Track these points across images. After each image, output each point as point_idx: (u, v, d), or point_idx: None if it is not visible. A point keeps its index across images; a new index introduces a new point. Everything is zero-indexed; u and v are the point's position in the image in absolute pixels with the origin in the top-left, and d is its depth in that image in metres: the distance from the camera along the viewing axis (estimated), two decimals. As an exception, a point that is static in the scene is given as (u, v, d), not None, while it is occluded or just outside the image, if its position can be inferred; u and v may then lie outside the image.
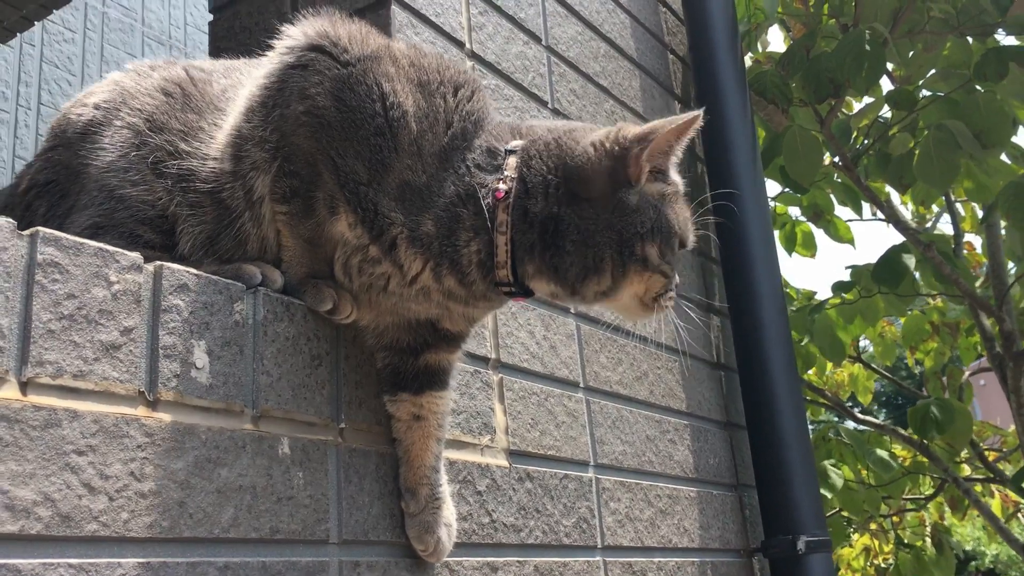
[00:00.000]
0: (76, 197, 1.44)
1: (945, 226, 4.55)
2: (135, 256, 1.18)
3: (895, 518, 4.43)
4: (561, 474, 1.90)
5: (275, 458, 1.29)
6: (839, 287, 3.85)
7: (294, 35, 1.40)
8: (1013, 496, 4.29)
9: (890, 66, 3.38)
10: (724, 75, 2.82)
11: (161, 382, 1.16)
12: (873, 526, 4.39)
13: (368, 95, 1.32)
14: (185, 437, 1.17)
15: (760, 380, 2.61)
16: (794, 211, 4.06)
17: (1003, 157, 3.32)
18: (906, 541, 4.38)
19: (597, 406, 2.10)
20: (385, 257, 1.34)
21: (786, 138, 3.09)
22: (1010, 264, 3.82)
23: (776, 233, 3.93)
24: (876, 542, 4.51)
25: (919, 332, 4.22)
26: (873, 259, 3.67)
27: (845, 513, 3.92)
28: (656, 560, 2.11)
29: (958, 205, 4.17)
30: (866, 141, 3.42)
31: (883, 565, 4.62)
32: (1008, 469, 4.28)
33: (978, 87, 3.07)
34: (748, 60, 3.51)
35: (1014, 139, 3.18)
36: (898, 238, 3.57)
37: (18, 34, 3.95)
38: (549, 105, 2.21)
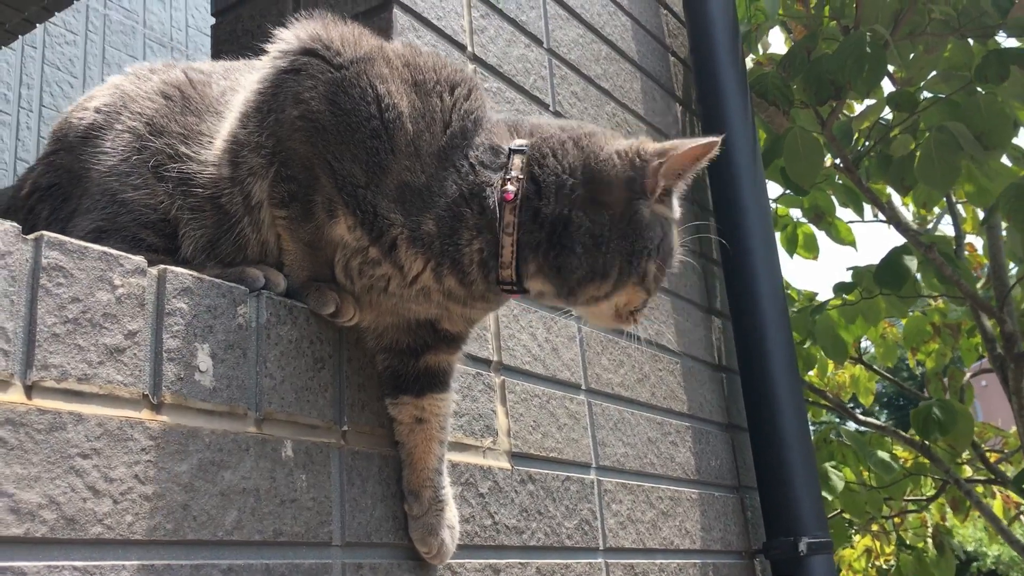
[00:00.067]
0: (78, 201, 1.44)
1: (946, 227, 4.55)
2: (139, 260, 1.18)
3: (896, 519, 4.43)
4: (563, 476, 1.91)
5: (278, 461, 1.29)
6: (841, 288, 3.85)
7: (287, 38, 1.40)
8: (1014, 497, 4.29)
9: (891, 68, 3.39)
10: (725, 77, 2.83)
11: (165, 385, 1.16)
12: (874, 527, 4.39)
13: (362, 97, 1.32)
14: (189, 440, 1.17)
15: (761, 382, 2.61)
16: (795, 213, 4.06)
17: (1004, 159, 3.32)
18: (907, 542, 4.39)
19: (599, 408, 2.10)
20: (385, 258, 1.34)
21: (787, 140, 3.09)
22: (1011, 265, 3.82)
23: (777, 235, 3.94)
24: (877, 543, 4.52)
25: (920, 333, 4.22)
26: (874, 260, 3.68)
27: (846, 514, 3.92)
28: (658, 562, 2.12)
29: (959, 206, 4.18)
30: (867, 143, 3.42)
31: (884, 566, 4.63)
32: (1009, 470, 4.28)
33: (979, 89, 3.07)
34: (749, 62, 3.52)
35: (1015, 141, 3.19)
36: (899, 240, 3.58)
37: (20, 36, 3.96)
38: (551, 108, 2.22)
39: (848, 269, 3.85)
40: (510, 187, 1.31)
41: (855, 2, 3.16)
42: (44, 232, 1.08)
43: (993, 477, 4.06)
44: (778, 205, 4.00)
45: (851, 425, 4.30)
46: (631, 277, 1.33)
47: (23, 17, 3.67)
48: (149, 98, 1.49)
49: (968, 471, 4.32)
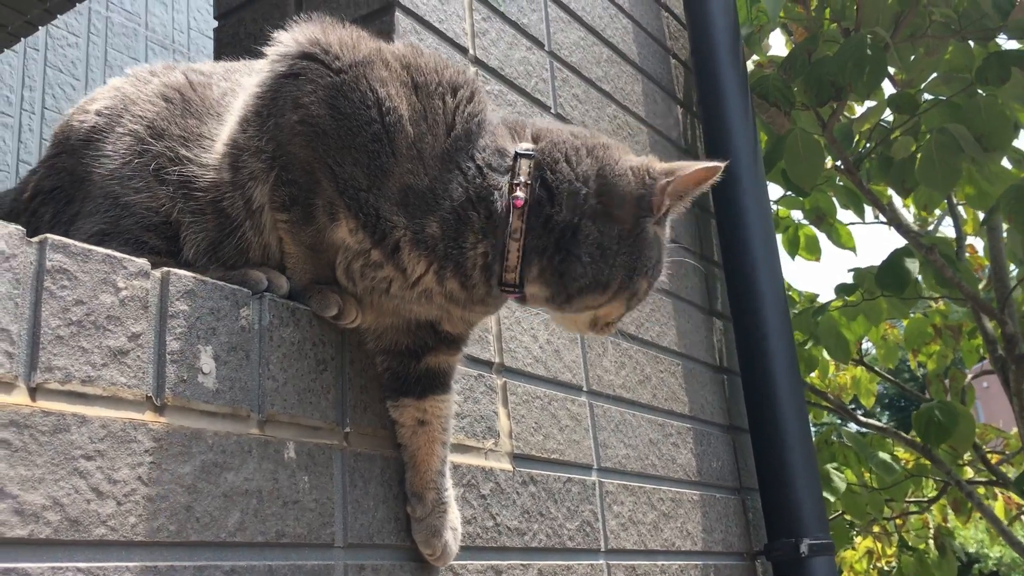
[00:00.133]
0: (81, 203, 1.44)
1: (947, 229, 4.56)
2: (142, 262, 1.18)
3: (898, 521, 4.44)
4: (564, 478, 1.91)
5: (281, 462, 1.29)
6: (842, 289, 3.86)
7: (285, 42, 1.40)
8: (1016, 499, 4.29)
9: (892, 70, 3.39)
10: (726, 79, 2.83)
11: (168, 387, 1.17)
12: (876, 529, 4.39)
13: (362, 101, 1.32)
14: (192, 442, 1.18)
15: (762, 383, 2.61)
16: (796, 214, 4.07)
17: (1004, 162, 3.33)
18: (909, 544, 4.39)
19: (600, 410, 2.10)
20: (388, 261, 1.34)
21: (788, 141, 3.09)
22: (1012, 267, 3.82)
23: (779, 237, 3.94)
24: (879, 545, 4.52)
25: (921, 335, 4.23)
26: (875, 261, 3.68)
27: (848, 516, 3.92)
28: (659, 563, 2.12)
29: (960, 208, 4.18)
30: (868, 145, 3.43)
31: (886, 568, 4.63)
32: (1011, 472, 4.27)
33: (980, 91, 3.08)
34: (750, 64, 3.52)
35: (1015, 143, 3.19)
36: (900, 241, 3.58)
37: (22, 39, 3.97)
38: (552, 110, 2.22)
39: (849, 270, 3.86)
40: (520, 193, 1.32)
41: (856, 4, 3.16)
42: (48, 235, 1.09)
43: (994, 479, 4.06)
44: (779, 207, 4.01)
45: (852, 427, 4.30)
46: (625, 292, 1.36)
47: (25, 19, 3.68)
48: (150, 101, 1.49)
49: (969, 472, 4.32)
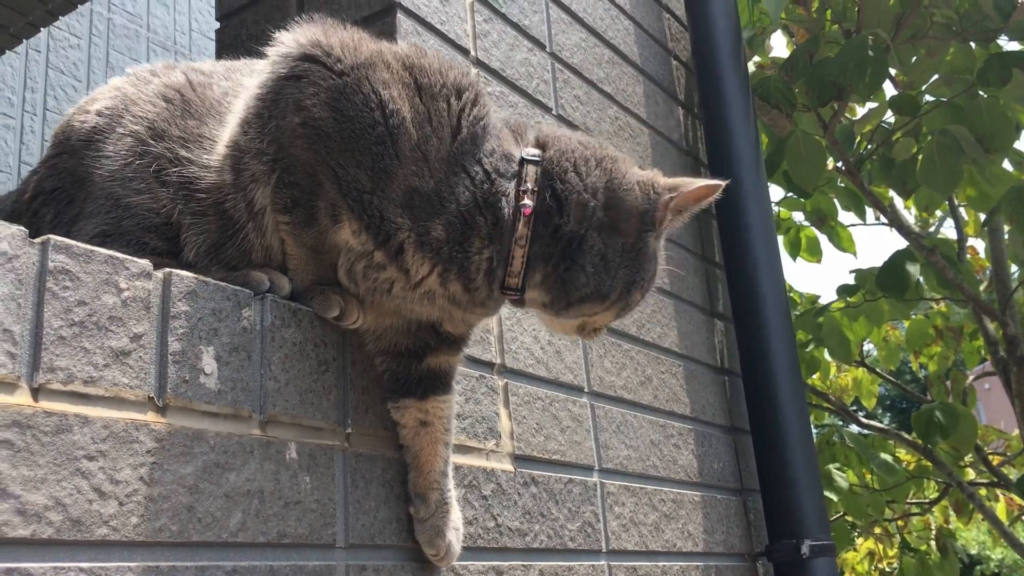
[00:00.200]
0: (82, 204, 1.44)
1: (948, 230, 4.56)
2: (144, 263, 1.19)
3: (899, 522, 4.43)
4: (566, 478, 1.91)
5: (282, 463, 1.30)
6: (844, 290, 3.86)
7: (287, 43, 1.39)
8: (1017, 500, 4.29)
9: (893, 71, 3.39)
10: (727, 80, 2.83)
11: (170, 388, 1.17)
12: (877, 530, 4.39)
13: (366, 104, 1.32)
14: (194, 442, 1.18)
15: (764, 384, 2.62)
16: (798, 216, 4.07)
17: (1005, 164, 3.33)
18: (911, 545, 4.39)
19: (601, 411, 2.10)
20: (391, 262, 1.34)
21: (789, 143, 3.10)
22: (1013, 268, 3.82)
23: (780, 238, 3.95)
24: (880, 546, 4.51)
25: (923, 336, 4.23)
26: (877, 262, 3.68)
27: (849, 517, 3.92)
28: (661, 564, 2.12)
29: (961, 209, 4.18)
30: (869, 146, 3.43)
31: (887, 569, 4.63)
32: (1012, 473, 4.27)
33: (981, 92, 3.08)
34: (751, 65, 3.52)
35: (1017, 144, 3.19)
36: (901, 242, 3.58)
37: (24, 40, 3.97)
38: (553, 111, 2.22)
39: (851, 271, 3.86)
40: (528, 201, 1.33)
41: (857, 6, 3.16)
42: (51, 236, 1.09)
43: (996, 480, 4.06)
44: (781, 208, 4.01)
45: (854, 428, 4.30)
46: (620, 303, 1.38)
47: (27, 21, 3.69)
48: (150, 102, 1.49)
49: (971, 474, 4.32)
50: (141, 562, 1.08)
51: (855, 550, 4.62)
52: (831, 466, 3.56)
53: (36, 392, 1.03)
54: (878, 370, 4.61)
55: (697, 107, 3.00)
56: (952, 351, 4.27)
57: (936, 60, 3.30)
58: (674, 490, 2.28)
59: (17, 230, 1.05)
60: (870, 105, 3.58)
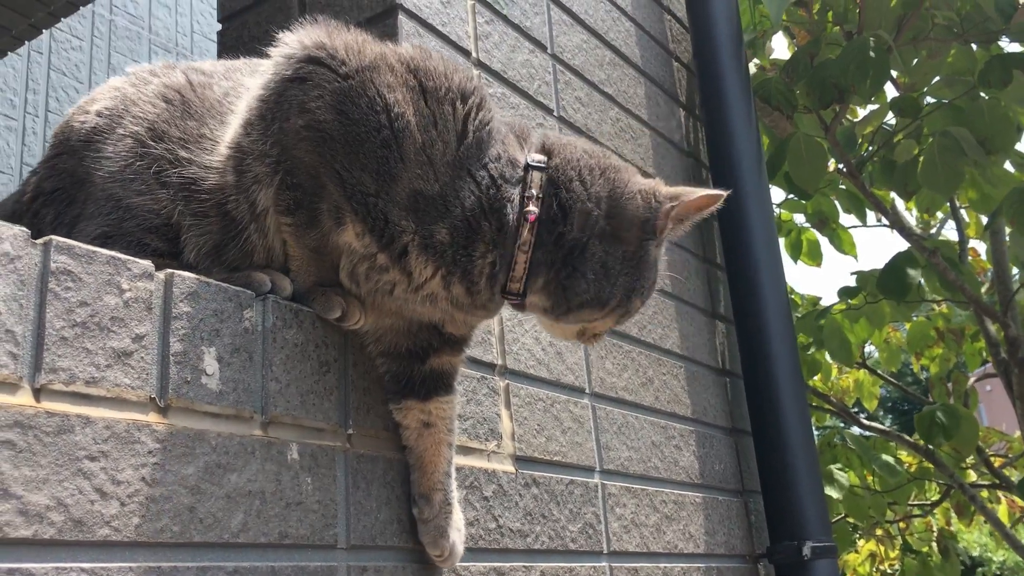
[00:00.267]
0: (83, 205, 1.44)
1: (950, 232, 4.56)
2: (146, 264, 1.19)
3: (901, 524, 4.43)
4: (567, 480, 1.91)
5: (284, 464, 1.30)
6: (845, 292, 3.86)
7: (290, 43, 1.39)
8: (1019, 502, 4.29)
9: (894, 73, 3.39)
10: (729, 82, 2.83)
11: (172, 388, 1.17)
12: (879, 532, 4.39)
13: (371, 107, 1.31)
14: (195, 443, 1.18)
15: (765, 386, 2.62)
16: (799, 218, 4.07)
17: (1007, 164, 3.32)
18: (912, 547, 4.38)
19: (603, 412, 2.11)
20: (394, 265, 1.35)
21: (791, 144, 3.10)
22: (1015, 270, 3.82)
23: (781, 240, 3.95)
24: (882, 548, 4.51)
25: (924, 338, 4.23)
26: (878, 263, 3.68)
27: (851, 519, 3.92)
28: (662, 566, 2.12)
29: (962, 211, 4.18)
30: (870, 148, 3.43)
31: (889, 571, 4.63)
32: (1014, 475, 4.27)
33: (982, 94, 3.08)
34: (752, 67, 3.53)
35: (1018, 146, 3.19)
36: (903, 244, 3.58)
37: (26, 42, 3.98)
38: (555, 113, 2.23)
39: (852, 273, 3.86)
40: (532, 208, 1.34)
41: (858, 7, 3.17)
42: (53, 236, 1.09)
43: (998, 482, 4.06)
44: (782, 210, 4.01)
45: (855, 430, 4.30)
46: (619, 309, 1.39)
47: (29, 23, 3.69)
48: (150, 102, 1.48)
49: (973, 476, 4.32)
50: (143, 562, 1.09)
51: (857, 552, 4.62)
52: (832, 466, 3.56)
53: (38, 392, 1.03)
54: (879, 372, 4.61)
55: (698, 109, 3.00)
56: (953, 353, 4.27)
57: (937, 62, 3.30)
58: (675, 491, 2.28)
59: (20, 231, 1.05)
60: (871, 107, 3.58)
